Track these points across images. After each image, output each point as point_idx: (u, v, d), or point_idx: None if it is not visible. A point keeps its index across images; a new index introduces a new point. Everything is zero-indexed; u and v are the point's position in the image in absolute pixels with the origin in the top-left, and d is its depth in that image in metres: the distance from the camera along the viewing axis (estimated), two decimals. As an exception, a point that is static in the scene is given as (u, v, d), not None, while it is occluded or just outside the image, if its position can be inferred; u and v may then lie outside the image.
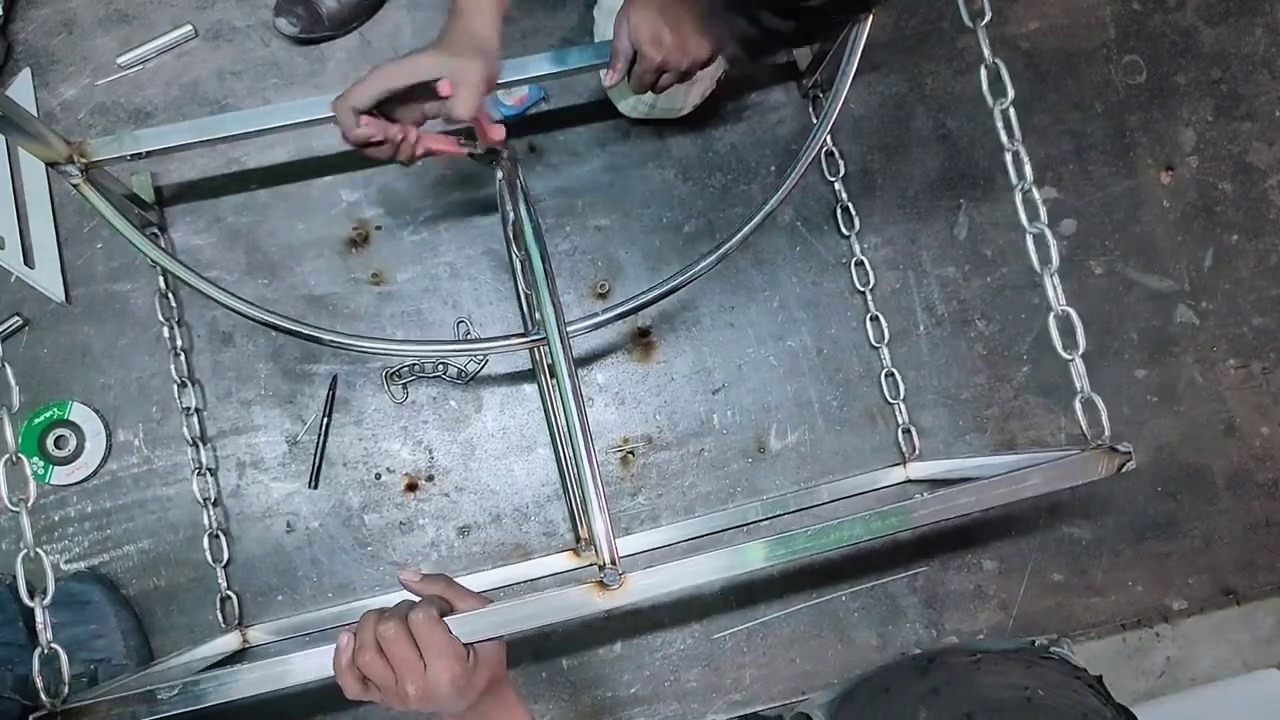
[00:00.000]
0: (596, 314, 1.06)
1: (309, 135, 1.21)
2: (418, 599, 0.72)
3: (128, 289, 1.20)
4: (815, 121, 1.13)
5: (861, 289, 1.26)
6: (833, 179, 1.27)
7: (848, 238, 1.26)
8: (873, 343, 1.26)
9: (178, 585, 1.16)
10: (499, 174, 1.02)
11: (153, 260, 1.00)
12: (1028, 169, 0.88)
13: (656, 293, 1.04)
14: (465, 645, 0.69)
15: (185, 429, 1.16)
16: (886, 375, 1.25)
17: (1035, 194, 0.87)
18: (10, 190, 1.19)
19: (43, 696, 0.78)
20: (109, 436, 1.17)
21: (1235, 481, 1.29)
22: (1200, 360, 1.30)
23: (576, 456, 0.80)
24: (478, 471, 1.22)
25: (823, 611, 1.22)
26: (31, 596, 0.80)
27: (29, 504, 0.82)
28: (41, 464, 1.15)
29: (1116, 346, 1.30)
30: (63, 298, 1.19)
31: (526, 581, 1.17)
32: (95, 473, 1.17)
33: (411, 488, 1.21)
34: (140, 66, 1.24)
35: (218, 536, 1.16)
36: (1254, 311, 1.32)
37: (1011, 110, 0.89)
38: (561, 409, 0.85)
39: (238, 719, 0.84)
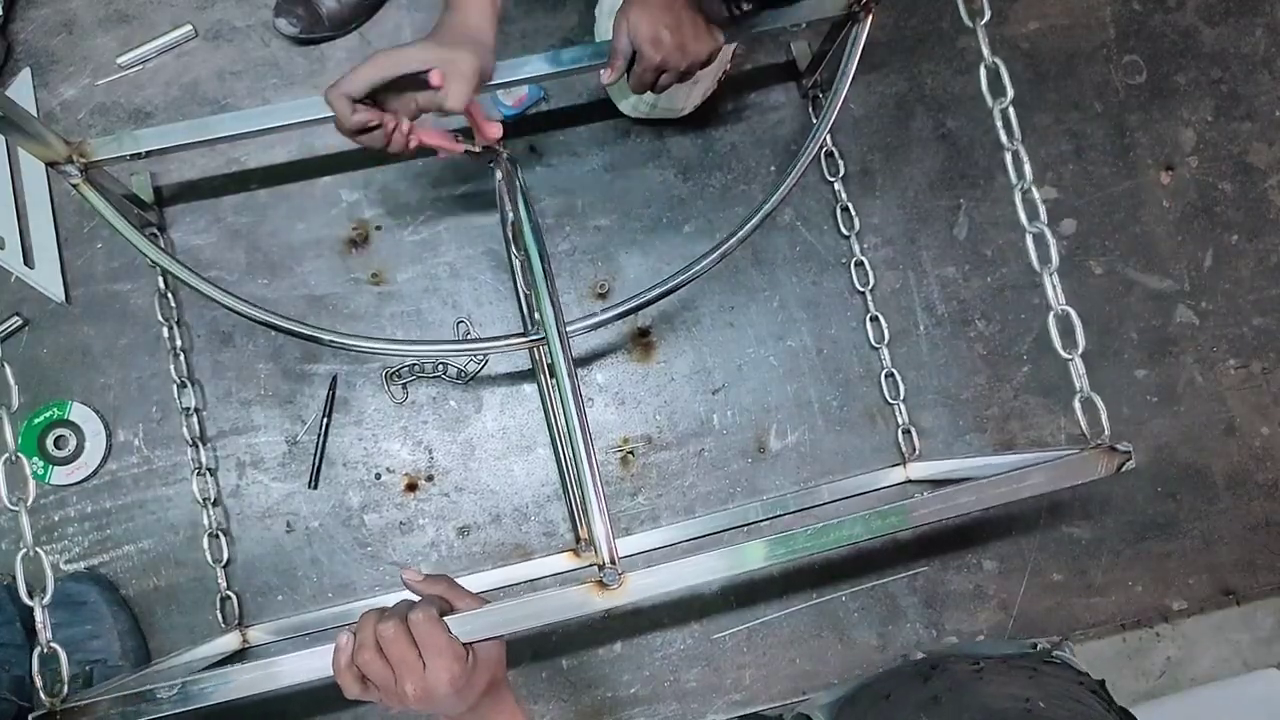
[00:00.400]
0: (596, 314, 1.06)
1: (309, 135, 1.22)
2: (418, 599, 0.72)
3: (128, 289, 1.20)
4: (815, 121, 1.13)
5: (861, 289, 1.26)
6: (832, 179, 1.27)
7: (847, 238, 1.26)
8: (873, 343, 1.26)
9: (177, 585, 1.16)
10: (498, 174, 1.02)
11: (152, 260, 1.00)
12: (1027, 169, 0.88)
13: (656, 293, 1.04)
14: (465, 646, 0.69)
15: (185, 429, 1.16)
16: (886, 375, 1.25)
17: (1035, 194, 0.87)
18: (10, 190, 1.19)
19: (41, 696, 0.77)
20: (109, 436, 1.17)
21: (1235, 481, 1.29)
22: (1200, 360, 1.30)
23: (576, 456, 0.80)
24: (478, 471, 1.22)
25: (823, 611, 1.22)
26: (31, 596, 0.80)
27: (28, 504, 0.82)
28: (41, 464, 1.15)
29: (1116, 346, 1.30)
30: (63, 298, 1.19)
31: (526, 582, 1.17)
32: (95, 473, 1.17)
33: (411, 488, 1.21)
34: (140, 66, 1.24)
35: (217, 536, 1.16)
36: (1254, 311, 1.32)
37: (1011, 110, 0.89)
38: (561, 409, 0.85)
39: (237, 719, 0.84)
